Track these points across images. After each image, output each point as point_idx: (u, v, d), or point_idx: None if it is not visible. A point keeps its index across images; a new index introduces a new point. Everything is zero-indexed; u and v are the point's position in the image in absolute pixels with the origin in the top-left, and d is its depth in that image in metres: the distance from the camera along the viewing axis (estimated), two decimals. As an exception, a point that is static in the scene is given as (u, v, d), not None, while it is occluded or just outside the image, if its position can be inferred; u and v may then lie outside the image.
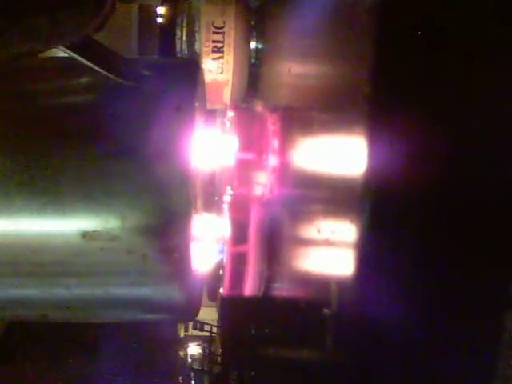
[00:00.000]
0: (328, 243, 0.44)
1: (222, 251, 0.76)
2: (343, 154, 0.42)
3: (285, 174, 0.68)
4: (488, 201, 0.39)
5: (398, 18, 0.36)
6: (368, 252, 0.38)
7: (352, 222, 0.39)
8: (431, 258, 0.39)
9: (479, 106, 0.38)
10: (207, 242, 0.72)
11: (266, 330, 0.76)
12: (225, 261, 0.76)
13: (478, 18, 0.37)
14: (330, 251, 0.44)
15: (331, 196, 0.45)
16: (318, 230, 0.47)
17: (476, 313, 0.40)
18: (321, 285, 0.48)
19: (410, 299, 0.38)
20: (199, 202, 0.67)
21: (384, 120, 0.37)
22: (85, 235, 0.56)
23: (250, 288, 0.76)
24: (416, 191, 0.37)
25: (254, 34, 1.04)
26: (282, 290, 0.69)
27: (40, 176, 0.57)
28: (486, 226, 0.39)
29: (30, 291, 0.60)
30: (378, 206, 0.37)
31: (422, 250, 0.39)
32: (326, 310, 0.43)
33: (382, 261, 0.38)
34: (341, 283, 0.41)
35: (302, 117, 0.59)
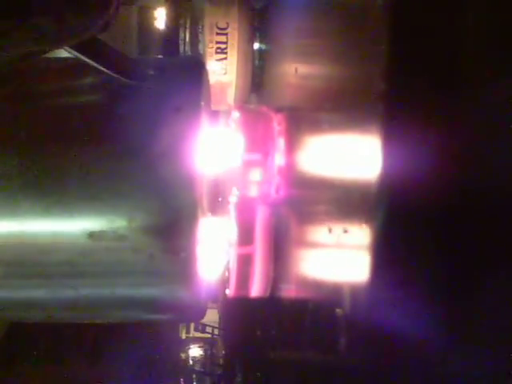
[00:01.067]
0: (340, 243, 0.44)
1: (228, 252, 0.75)
2: (355, 153, 0.41)
3: (291, 174, 0.67)
4: (507, 202, 0.38)
5: (414, 14, 0.36)
6: (382, 252, 0.38)
7: (366, 222, 0.39)
8: (447, 258, 0.39)
9: (497, 106, 0.37)
10: (214, 243, 0.72)
11: (273, 332, 0.75)
12: (231, 262, 0.75)
13: (494, 17, 0.37)
14: (342, 251, 0.44)
15: (343, 196, 0.44)
16: (330, 230, 0.46)
17: (491, 315, 0.40)
18: (332, 285, 0.47)
19: (425, 300, 0.38)
20: (205, 203, 0.67)
21: (399, 118, 0.36)
22: (91, 235, 0.56)
23: (256, 289, 0.75)
24: (432, 192, 0.37)
25: (258, 34, 1.04)
26: (290, 290, 0.68)
27: (45, 177, 0.57)
28: (504, 228, 0.39)
29: (37, 292, 0.60)
30: (392, 205, 0.37)
31: (438, 250, 0.38)
32: (338, 311, 0.43)
33: (396, 261, 0.38)
34: (354, 283, 0.41)
35: (310, 116, 0.59)
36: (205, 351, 2.58)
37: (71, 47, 0.57)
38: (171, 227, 0.57)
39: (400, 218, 0.37)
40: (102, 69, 0.59)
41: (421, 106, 0.36)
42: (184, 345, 2.68)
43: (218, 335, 2.13)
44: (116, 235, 0.56)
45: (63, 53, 0.59)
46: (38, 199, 0.56)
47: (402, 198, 0.37)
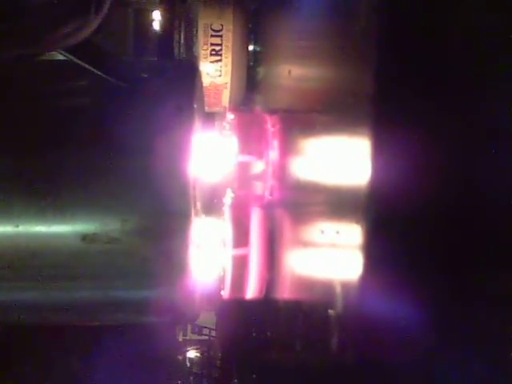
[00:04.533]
0: (332, 244, 0.44)
1: (222, 254, 0.75)
2: (346, 155, 0.41)
3: (285, 175, 0.68)
4: (488, 206, 0.39)
5: (403, 18, 0.36)
6: (373, 253, 0.38)
7: (357, 223, 0.39)
8: (435, 259, 0.39)
9: (484, 111, 0.38)
10: (208, 245, 0.71)
11: (268, 333, 0.75)
12: (226, 264, 0.75)
13: (482, 19, 0.37)
14: (334, 252, 0.44)
15: (335, 197, 0.45)
16: (322, 231, 0.47)
17: (480, 314, 0.40)
18: (324, 286, 0.47)
19: (415, 300, 0.38)
20: (199, 205, 0.67)
21: (388, 122, 0.37)
22: (84, 238, 0.56)
23: (251, 291, 0.75)
24: (420, 194, 0.37)
25: (252, 36, 1.04)
26: (284, 292, 0.68)
27: (39, 179, 0.57)
28: (486, 230, 0.39)
29: (31, 295, 0.60)
30: (382, 207, 0.37)
31: (427, 251, 0.38)
32: (330, 311, 0.43)
33: (387, 262, 0.38)
34: (345, 284, 0.41)
35: (303, 118, 0.59)
36: (202, 353, 2.58)
37: (64, 50, 0.57)
38: (164, 230, 0.57)
39: (390, 220, 0.37)
40: (95, 71, 0.59)
41: (409, 109, 0.37)
42: (181, 347, 2.67)
43: (215, 337, 2.13)
44: (109, 238, 0.56)
45: (57, 55, 0.59)
46: (31, 201, 0.56)
47: (391, 199, 0.37)
